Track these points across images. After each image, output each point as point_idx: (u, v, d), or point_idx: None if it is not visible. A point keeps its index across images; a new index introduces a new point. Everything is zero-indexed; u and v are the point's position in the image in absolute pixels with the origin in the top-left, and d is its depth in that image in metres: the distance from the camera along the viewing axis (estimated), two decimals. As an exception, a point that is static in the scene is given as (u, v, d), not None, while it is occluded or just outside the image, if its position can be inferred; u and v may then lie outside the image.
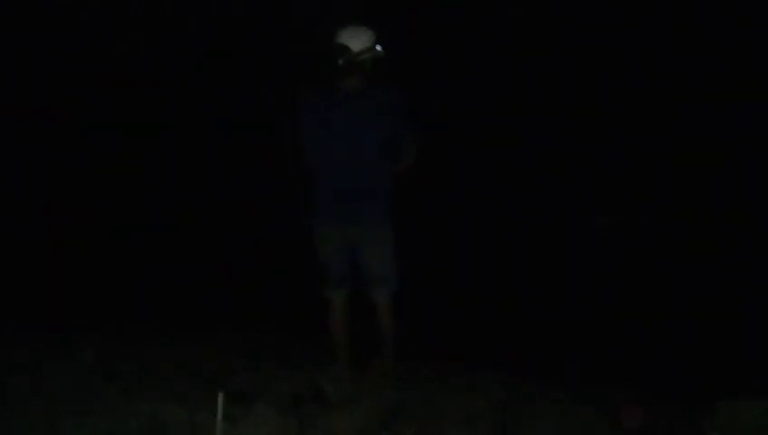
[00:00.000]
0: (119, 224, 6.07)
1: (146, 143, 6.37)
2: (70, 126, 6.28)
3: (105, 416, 2.82)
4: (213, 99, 6.35)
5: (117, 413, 2.85)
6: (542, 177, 6.35)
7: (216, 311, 4.83)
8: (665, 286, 5.19)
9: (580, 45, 6.18)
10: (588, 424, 3.10)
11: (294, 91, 3.45)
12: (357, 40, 3.27)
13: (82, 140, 6.29)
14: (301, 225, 3.53)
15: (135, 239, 5.97)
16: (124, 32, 6.27)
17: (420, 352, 3.86)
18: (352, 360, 3.52)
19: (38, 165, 6.12)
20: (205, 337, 4.23)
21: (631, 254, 5.71)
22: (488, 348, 4.29)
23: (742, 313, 4.62)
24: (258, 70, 6.17)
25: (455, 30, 6.35)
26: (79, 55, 6.23)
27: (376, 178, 3.33)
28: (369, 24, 3.34)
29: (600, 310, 4.88)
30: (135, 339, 4.12)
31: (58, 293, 4.98)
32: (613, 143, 6.22)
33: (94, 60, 6.27)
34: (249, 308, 4.90)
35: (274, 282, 5.28)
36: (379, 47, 3.32)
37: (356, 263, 3.45)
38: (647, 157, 6.17)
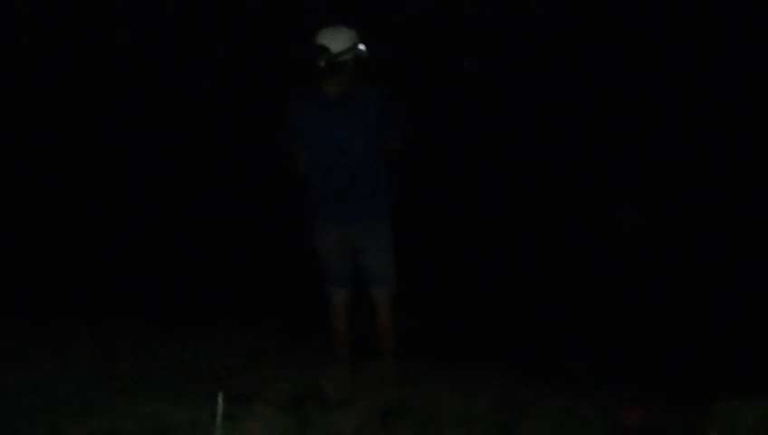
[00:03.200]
0: (119, 224, 6.07)
1: (146, 143, 6.36)
2: (70, 126, 6.28)
3: (105, 416, 2.82)
4: (214, 99, 6.35)
5: (117, 413, 2.85)
6: (542, 177, 6.35)
7: (216, 311, 4.83)
8: (665, 287, 5.19)
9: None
10: (588, 424, 3.11)
11: (288, 92, 3.44)
12: (336, 40, 3.22)
13: (83, 140, 6.29)
14: (301, 224, 3.53)
15: (135, 239, 5.97)
16: (125, 31, 6.27)
17: (420, 352, 3.86)
18: (352, 360, 3.52)
19: (38, 165, 6.12)
20: (205, 337, 4.24)
21: (631, 254, 5.71)
22: (488, 348, 4.30)
23: (742, 313, 4.62)
24: (260, 70, 6.17)
25: (459, 30, 6.36)
26: (79, 55, 6.23)
27: (373, 178, 3.32)
28: (366, 24, 3.32)
29: (600, 310, 4.88)
30: (135, 339, 4.12)
31: (58, 292, 4.98)
32: (625, 142, 6.20)
33: (95, 60, 6.27)
34: (249, 308, 4.90)
35: (274, 282, 5.28)
36: (362, 47, 3.29)
37: (356, 262, 3.45)
38: (648, 157, 6.16)
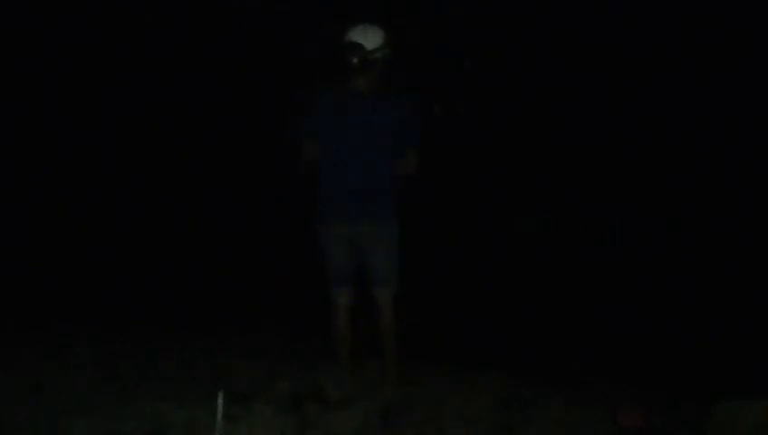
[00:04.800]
0: (119, 224, 6.07)
1: (147, 143, 6.36)
2: (70, 126, 6.28)
3: (105, 416, 2.82)
4: (215, 99, 6.35)
5: (117, 413, 2.85)
6: (543, 177, 6.35)
7: (216, 311, 4.83)
8: (665, 287, 5.19)
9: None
10: (588, 424, 3.10)
11: (298, 90, 3.43)
12: (370, 38, 3.25)
13: (82, 140, 6.29)
14: (303, 224, 3.53)
15: (135, 239, 5.97)
16: (127, 30, 6.27)
17: (420, 352, 3.86)
18: (353, 360, 3.52)
19: (38, 165, 6.12)
20: (205, 337, 4.24)
21: (632, 254, 5.71)
22: (488, 348, 4.30)
23: (742, 313, 4.62)
24: (262, 69, 6.17)
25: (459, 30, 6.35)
26: (80, 55, 6.23)
27: (384, 179, 3.32)
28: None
29: (600, 310, 4.88)
30: (135, 339, 4.12)
31: (58, 293, 4.98)
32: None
33: (95, 60, 6.27)
34: (249, 308, 4.90)
35: (275, 282, 5.28)
36: (388, 47, 3.30)
37: (359, 263, 3.44)
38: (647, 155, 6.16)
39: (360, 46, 3.23)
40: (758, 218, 5.47)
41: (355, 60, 3.23)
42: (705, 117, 5.94)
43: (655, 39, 5.98)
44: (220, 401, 2.61)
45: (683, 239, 5.70)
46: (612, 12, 5.89)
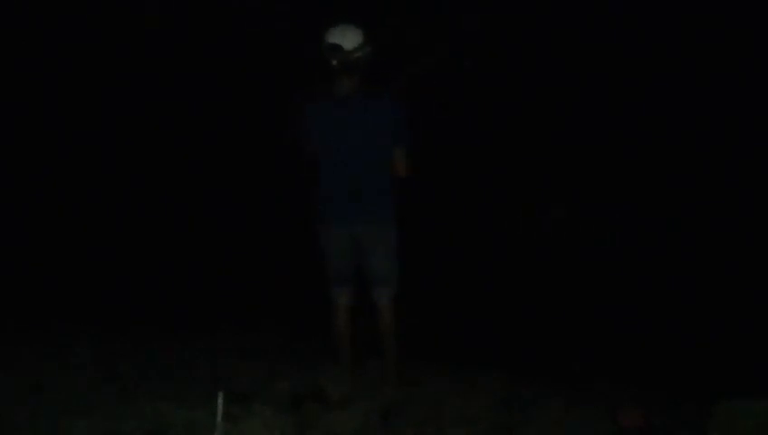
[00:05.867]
0: (119, 224, 6.07)
1: (147, 143, 6.36)
2: (70, 126, 6.28)
3: (105, 416, 2.82)
4: (215, 99, 6.35)
5: (117, 413, 2.85)
6: (547, 176, 6.35)
7: (216, 311, 4.83)
8: (665, 287, 5.19)
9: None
10: (588, 424, 3.11)
11: (298, 90, 3.43)
12: (348, 38, 3.25)
13: (82, 140, 6.28)
14: (303, 224, 3.53)
15: (135, 239, 5.97)
16: (127, 30, 6.26)
17: (420, 352, 3.86)
18: (353, 360, 3.52)
19: (38, 165, 6.12)
20: (205, 337, 4.24)
21: (632, 254, 5.71)
22: (488, 348, 4.30)
23: (742, 313, 4.62)
24: (262, 69, 6.16)
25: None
26: (80, 55, 6.23)
27: (381, 179, 3.32)
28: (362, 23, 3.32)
29: (600, 310, 4.88)
30: (135, 339, 4.12)
31: (58, 293, 4.98)
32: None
33: (95, 60, 6.26)
34: (249, 308, 4.90)
35: (275, 282, 5.28)
36: (368, 46, 3.30)
37: (359, 263, 3.45)
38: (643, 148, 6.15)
39: (338, 47, 3.23)
40: (758, 218, 5.47)
41: (335, 61, 3.23)
42: (705, 117, 5.93)
43: (655, 39, 5.97)
44: (220, 401, 2.61)
45: (683, 239, 5.70)
46: (612, 12, 5.88)
